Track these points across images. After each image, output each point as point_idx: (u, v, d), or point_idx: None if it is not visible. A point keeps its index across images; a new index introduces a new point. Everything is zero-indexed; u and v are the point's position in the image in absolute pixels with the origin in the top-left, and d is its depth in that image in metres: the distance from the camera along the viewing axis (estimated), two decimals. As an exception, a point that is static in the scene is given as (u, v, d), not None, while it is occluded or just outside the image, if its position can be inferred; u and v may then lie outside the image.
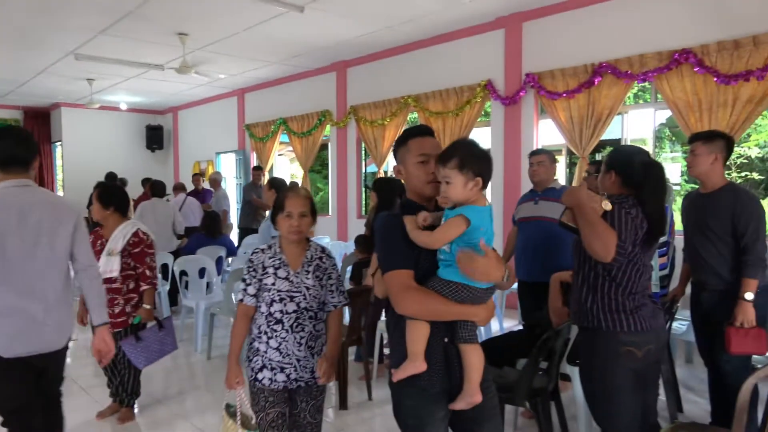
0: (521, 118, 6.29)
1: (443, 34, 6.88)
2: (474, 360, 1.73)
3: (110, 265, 3.35)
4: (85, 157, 12.27)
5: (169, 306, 6.38)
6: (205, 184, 9.58)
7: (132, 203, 4.18)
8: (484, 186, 1.73)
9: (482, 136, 6.80)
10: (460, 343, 1.73)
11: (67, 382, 2.75)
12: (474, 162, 1.68)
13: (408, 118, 7.73)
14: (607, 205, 2.13)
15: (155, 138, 13.16)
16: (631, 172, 2.22)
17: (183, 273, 5.55)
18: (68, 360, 2.76)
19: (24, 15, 6.12)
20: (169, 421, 3.73)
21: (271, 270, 2.27)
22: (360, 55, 7.99)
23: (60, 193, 12.94)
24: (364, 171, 8.62)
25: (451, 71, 6.88)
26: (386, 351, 4.24)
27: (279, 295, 2.24)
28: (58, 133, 12.72)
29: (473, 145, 1.76)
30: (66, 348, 2.51)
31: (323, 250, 2.38)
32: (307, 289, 2.27)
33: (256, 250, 2.34)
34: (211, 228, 6.40)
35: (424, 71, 7.24)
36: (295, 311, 2.25)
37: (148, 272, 3.45)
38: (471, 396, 1.72)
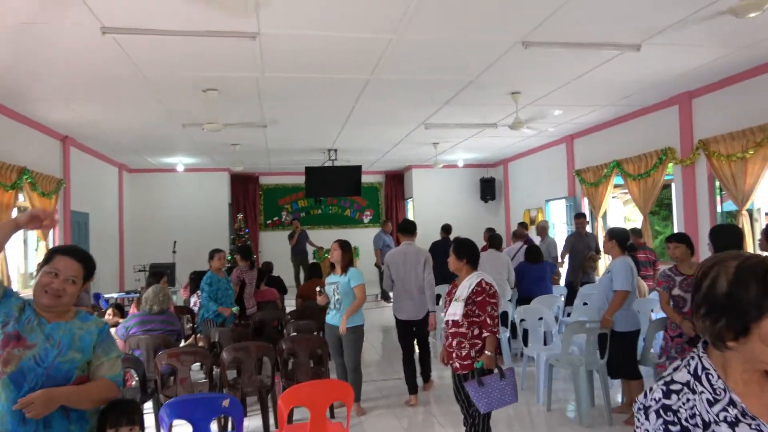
0: None
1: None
2: None
3: (455, 309, 3.73)
4: (430, 209, 14.00)
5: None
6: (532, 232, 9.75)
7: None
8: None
9: None
10: None
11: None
12: None
13: (779, 148, 6.40)
14: None
15: (488, 189, 14.13)
16: None
17: (522, 320, 5.71)
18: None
19: (390, 102, 7.47)
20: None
21: None
22: (708, 83, 7.06)
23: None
24: (720, 211, 7.45)
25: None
26: None
27: None
28: (410, 190, 14.89)
29: None
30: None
31: None
32: None
33: None
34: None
35: (799, 89, 5.94)
36: None
37: (488, 320, 3.67)
38: None
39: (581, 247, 8.09)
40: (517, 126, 7.46)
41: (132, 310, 5.92)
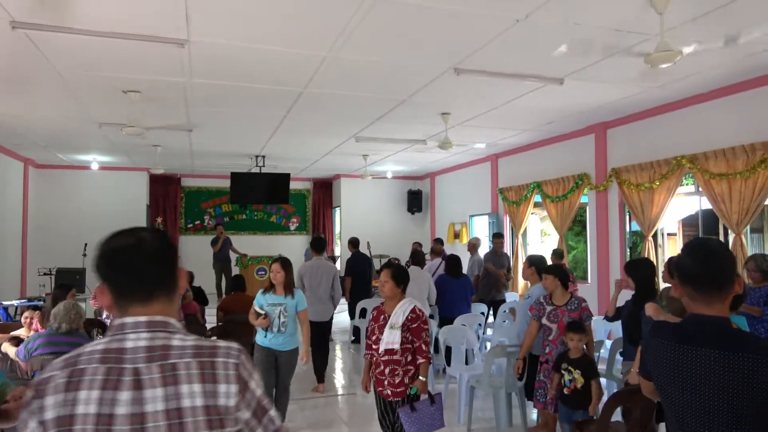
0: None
1: (726, 86, 6.09)
2: None
3: (393, 338, 3.68)
4: (357, 218, 14.03)
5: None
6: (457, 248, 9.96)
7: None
8: None
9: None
10: None
11: None
12: None
13: (681, 181, 6.96)
14: None
15: (415, 202, 14.35)
16: None
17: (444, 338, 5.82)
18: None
19: (323, 115, 7.43)
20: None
21: None
22: (622, 115, 7.56)
23: (337, 249, 14.98)
24: (629, 230, 7.97)
25: (736, 127, 6.01)
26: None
27: None
28: (338, 198, 14.84)
29: None
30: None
31: None
32: None
33: None
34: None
35: (700, 128, 6.48)
36: None
37: (423, 346, 3.70)
38: None
39: (497, 266, 8.36)
40: (446, 146, 7.63)
41: (35, 325, 5.46)
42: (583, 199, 8.72)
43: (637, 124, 7.43)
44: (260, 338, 4.80)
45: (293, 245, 14.69)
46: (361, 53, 4.98)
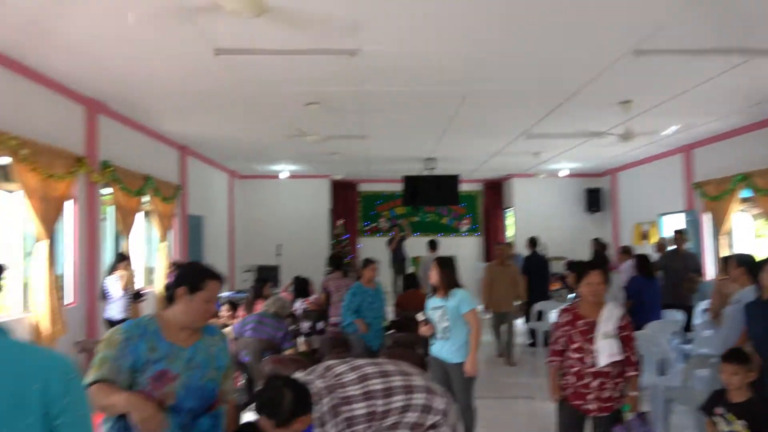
0: None
1: None
2: None
3: (612, 349, 3.27)
4: (531, 219, 13.53)
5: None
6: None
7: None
8: None
9: None
10: None
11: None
12: None
13: None
14: None
15: (594, 201, 13.40)
16: None
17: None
18: None
19: (491, 114, 7.32)
20: None
21: None
22: None
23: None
24: None
25: None
26: None
27: None
28: (509, 200, 14.49)
29: None
30: None
31: None
32: None
33: None
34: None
35: None
36: None
37: (633, 357, 3.36)
38: None
39: (677, 266, 7.36)
40: (628, 138, 7.00)
41: (239, 312, 6.26)
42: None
43: None
44: (433, 348, 4.44)
45: (464, 247, 14.70)
46: (528, 45, 4.79)
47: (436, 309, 4.36)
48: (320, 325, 7.09)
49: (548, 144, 9.53)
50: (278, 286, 10.91)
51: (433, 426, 2.60)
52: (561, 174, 13.13)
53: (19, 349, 1.36)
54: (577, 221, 13.66)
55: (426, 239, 11.45)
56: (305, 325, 7.26)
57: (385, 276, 12.29)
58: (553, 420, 3.69)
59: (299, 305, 7.58)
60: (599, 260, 6.79)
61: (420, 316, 4.51)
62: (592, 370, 3.32)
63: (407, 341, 5.46)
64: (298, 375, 2.48)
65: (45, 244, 5.48)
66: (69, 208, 6.17)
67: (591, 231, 13.20)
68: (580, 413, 3.43)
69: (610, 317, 3.35)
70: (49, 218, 5.57)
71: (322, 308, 7.16)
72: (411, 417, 2.54)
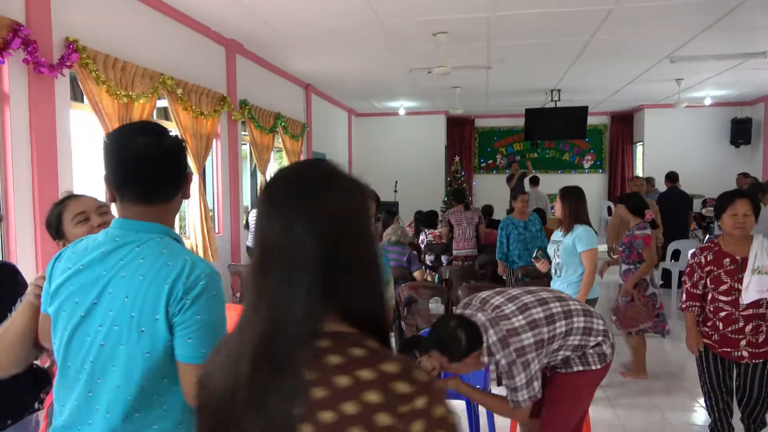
0: None
1: None
2: None
3: (765, 284, 2.97)
4: (663, 155, 12.51)
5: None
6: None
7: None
8: None
9: None
10: None
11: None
12: None
13: None
14: None
15: (741, 132, 12.04)
16: None
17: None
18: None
19: (633, 34, 6.68)
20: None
21: None
22: None
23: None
24: None
25: None
26: None
27: None
28: (639, 134, 13.45)
29: None
30: None
31: None
32: None
33: None
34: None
35: None
36: None
37: None
38: None
39: None
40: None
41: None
42: None
43: None
44: (552, 285, 4.24)
45: (587, 184, 13.97)
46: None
47: (554, 243, 4.19)
48: (444, 258, 7.24)
49: (694, 68, 8.60)
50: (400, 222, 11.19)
51: (596, 345, 2.59)
52: (706, 103, 11.86)
53: (175, 250, 1.38)
54: (719, 156, 12.42)
55: (543, 177, 11.02)
56: (429, 258, 7.44)
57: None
58: (684, 358, 3.46)
59: (424, 237, 7.77)
60: (747, 190, 6.12)
61: (535, 255, 4.43)
62: (746, 313, 3.04)
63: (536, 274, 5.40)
64: (460, 311, 2.56)
65: (197, 178, 5.99)
66: (213, 145, 6.65)
67: (734, 166, 11.92)
68: (728, 361, 3.18)
69: (762, 251, 3.01)
70: (200, 154, 6.06)
71: (445, 241, 7.32)
72: (573, 340, 2.54)
